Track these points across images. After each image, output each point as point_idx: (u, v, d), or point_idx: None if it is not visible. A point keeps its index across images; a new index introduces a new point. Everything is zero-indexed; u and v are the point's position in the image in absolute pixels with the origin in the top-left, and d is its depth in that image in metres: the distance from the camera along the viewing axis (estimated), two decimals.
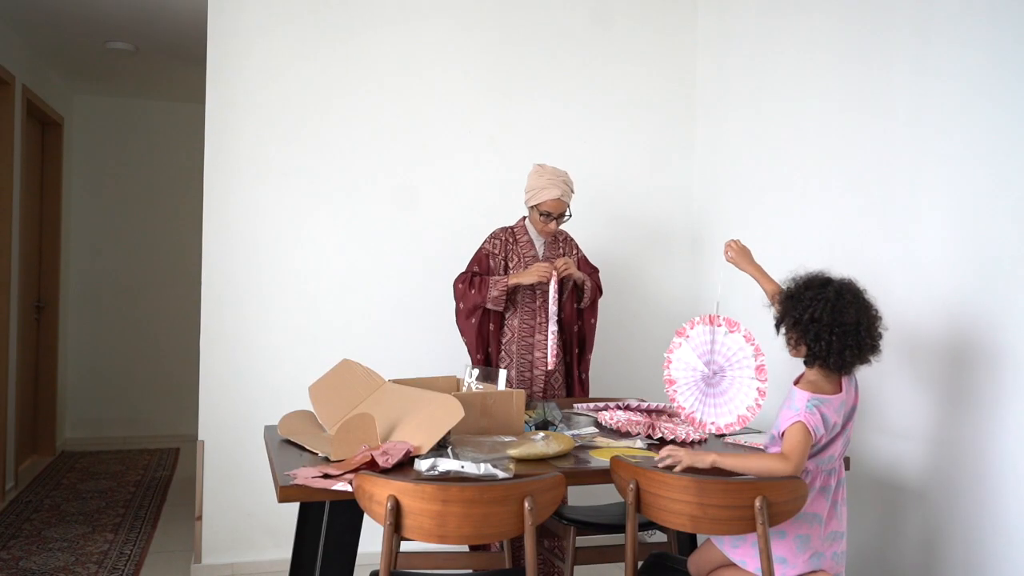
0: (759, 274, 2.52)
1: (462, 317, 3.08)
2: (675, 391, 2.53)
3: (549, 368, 2.99)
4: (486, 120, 3.82)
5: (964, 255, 2.47)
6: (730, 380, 2.47)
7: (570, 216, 3.10)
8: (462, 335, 3.12)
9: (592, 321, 3.20)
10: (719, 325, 2.49)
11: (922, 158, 2.64)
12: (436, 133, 3.77)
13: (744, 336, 2.46)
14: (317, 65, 3.64)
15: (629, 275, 3.97)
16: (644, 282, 4.01)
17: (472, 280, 3.04)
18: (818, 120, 3.16)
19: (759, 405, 2.43)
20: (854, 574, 2.91)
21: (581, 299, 3.15)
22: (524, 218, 3.18)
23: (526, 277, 2.98)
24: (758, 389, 2.44)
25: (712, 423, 2.48)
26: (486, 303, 3.01)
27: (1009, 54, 2.34)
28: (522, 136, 3.84)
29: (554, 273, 2.95)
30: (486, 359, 3.07)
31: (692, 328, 2.52)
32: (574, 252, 3.20)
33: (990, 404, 2.38)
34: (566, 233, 3.24)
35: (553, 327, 2.97)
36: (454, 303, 3.14)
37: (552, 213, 3.01)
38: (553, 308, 2.96)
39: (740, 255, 2.53)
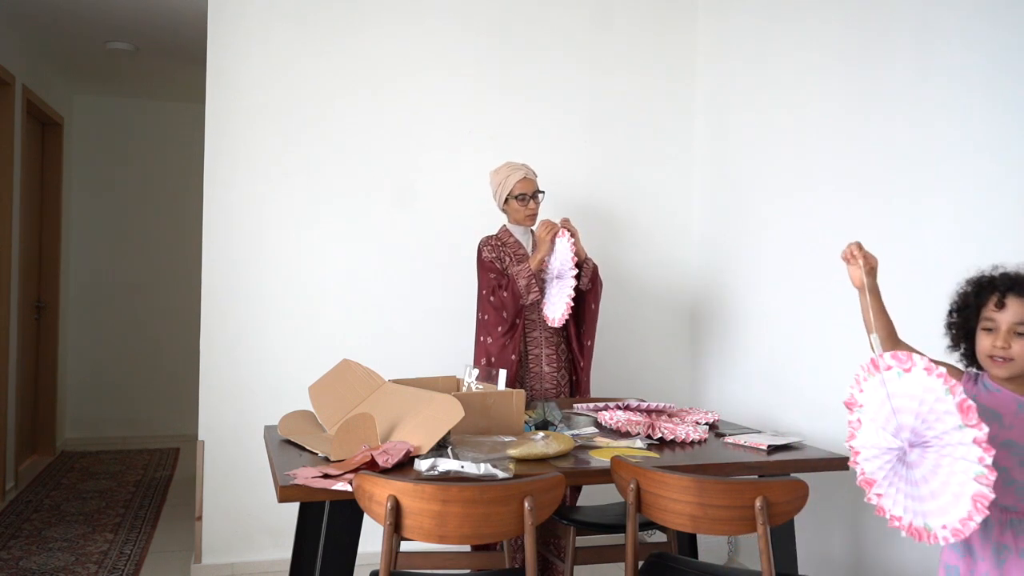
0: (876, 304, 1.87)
1: (497, 338, 3.00)
2: (878, 493, 1.66)
3: (556, 324, 2.98)
4: (487, 120, 3.82)
5: (965, 256, 2.47)
6: (936, 457, 1.55)
7: (544, 194, 3.16)
8: (493, 359, 3.03)
9: (593, 306, 3.16)
10: (888, 368, 1.62)
11: (923, 158, 2.64)
12: (436, 133, 3.77)
13: (925, 369, 1.55)
14: (317, 65, 3.64)
15: (629, 275, 3.97)
16: (644, 282, 4.01)
17: (501, 284, 3.01)
18: (818, 120, 3.16)
19: (988, 489, 1.47)
20: (855, 574, 2.92)
21: (580, 278, 3.13)
22: (503, 226, 3.20)
23: (541, 249, 3.00)
24: (984, 468, 1.47)
25: (925, 525, 1.56)
26: (523, 298, 2.98)
27: (1010, 54, 2.34)
28: (523, 136, 3.83)
29: (562, 230, 2.99)
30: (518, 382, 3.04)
31: (862, 391, 1.69)
32: None
33: None
34: None
35: (568, 288, 2.95)
36: (485, 326, 3.05)
37: (527, 192, 3.10)
38: (568, 263, 2.95)
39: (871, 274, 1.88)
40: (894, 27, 2.76)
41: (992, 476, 1.47)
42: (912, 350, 1.71)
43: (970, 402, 1.50)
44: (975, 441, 1.48)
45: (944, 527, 1.53)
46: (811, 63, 3.20)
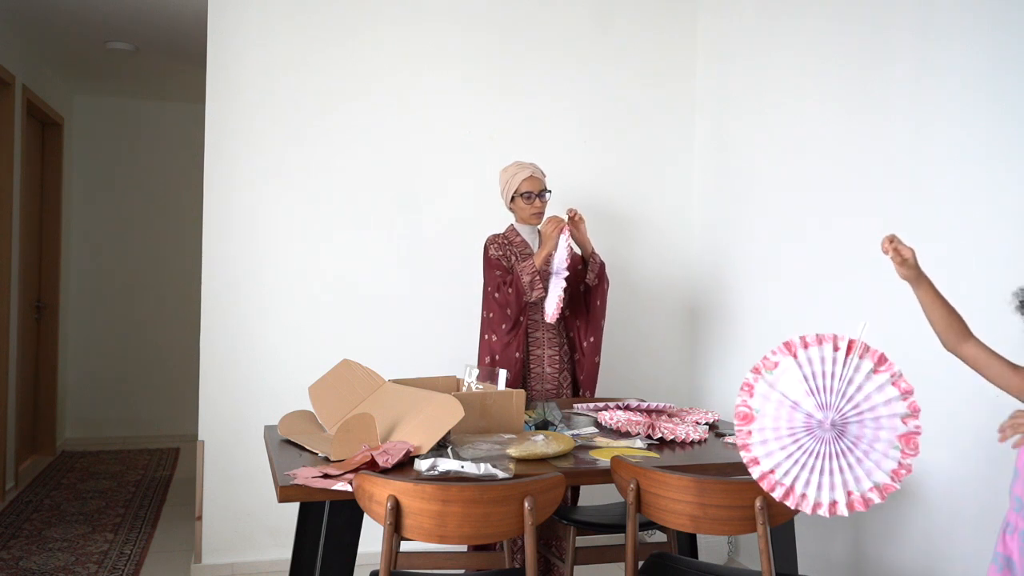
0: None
1: (501, 336, 3.00)
2: (749, 432, 1.74)
3: (550, 320, 2.97)
4: (486, 120, 3.82)
5: (965, 255, 2.47)
6: (856, 433, 1.69)
7: (551, 194, 3.18)
8: (497, 357, 3.03)
9: (598, 303, 3.14)
10: (861, 356, 1.69)
11: (923, 158, 2.64)
12: (436, 133, 3.77)
13: (893, 383, 1.68)
14: (317, 65, 3.64)
15: (629, 276, 3.97)
16: (644, 282, 4.01)
17: (506, 281, 3.02)
18: (819, 120, 3.16)
19: (895, 481, 1.67)
20: (855, 574, 2.92)
21: (587, 273, 3.11)
22: (510, 225, 3.20)
23: (546, 244, 3.00)
24: (899, 463, 1.67)
25: (809, 497, 1.69)
26: (528, 295, 2.97)
27: (1010, 54, 2.34)
28: (522, 136, 3.84)
29: (566, 226, 2.99)
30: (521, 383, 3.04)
31: (807, 348, 1.73)
32: None
33: (994, 406, 2.38)
34: None
35: (561, 283, 2.95)
36: (490, 324, 3.05)
37: (533, 190, 3.11)
38: (562, 259, 2.95)
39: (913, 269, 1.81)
40: (894, 27, 2.76)
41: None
42: (986, 348, 1.74)
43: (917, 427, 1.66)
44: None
45: (875, 486, 1.67)
46: (811, 63, 3.20)
